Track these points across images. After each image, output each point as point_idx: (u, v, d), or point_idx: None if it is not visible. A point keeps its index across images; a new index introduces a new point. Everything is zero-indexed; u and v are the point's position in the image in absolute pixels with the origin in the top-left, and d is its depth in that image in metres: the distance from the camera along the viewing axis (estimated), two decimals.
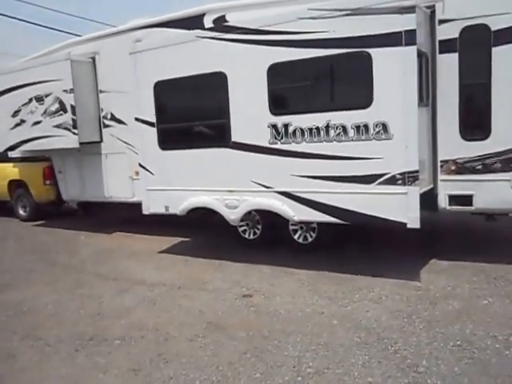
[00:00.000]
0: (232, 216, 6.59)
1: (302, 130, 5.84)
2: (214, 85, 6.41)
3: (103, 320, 5.09)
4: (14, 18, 16.35)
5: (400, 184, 5.35)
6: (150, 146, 7.14)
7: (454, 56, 5.81)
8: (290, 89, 6.10)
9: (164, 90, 6.92)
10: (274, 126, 6.03)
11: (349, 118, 5.55)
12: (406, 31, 5.11)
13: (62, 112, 8.42)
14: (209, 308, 5.17)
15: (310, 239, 6.86)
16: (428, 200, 6.09)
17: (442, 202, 6.07)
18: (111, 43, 8.34)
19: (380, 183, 5.47)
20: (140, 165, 7.32)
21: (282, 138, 6.01)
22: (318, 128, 5.76)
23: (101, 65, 8.61)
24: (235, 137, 6.37)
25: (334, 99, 5.75)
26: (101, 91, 8.68)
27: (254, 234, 7.35)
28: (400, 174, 5.33)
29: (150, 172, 7.24)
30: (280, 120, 5.99)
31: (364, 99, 5.42)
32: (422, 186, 5.83)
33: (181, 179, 6.95)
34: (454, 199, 6.02)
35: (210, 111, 6.61)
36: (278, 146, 6.04)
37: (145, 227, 9.18)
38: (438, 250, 6.61)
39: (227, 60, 6.26)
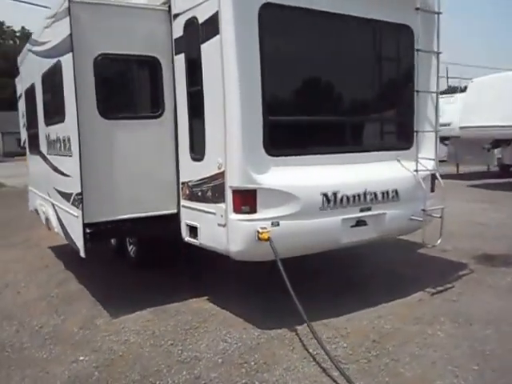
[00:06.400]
0: (44, 222, 6.76)
1: (54, 142, 5.68)
2: (34, 95, 6.64)
3: None
4: None
5: (77, 206, 4.79)
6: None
7: (182, 58, 4.81)
8: (47, 100, 5.95)
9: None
10: (47, 137, 6.01)
11: (61, 131, 5.21)
12: (69, 34, 4.53)
13: None
14: None
15: (135, 254, 6.47)
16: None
17: (184, 231, 5.09)
18: None
19: (72, 203, 4.99)
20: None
21: (49, 148, 5.95)
22: (54, 140, 5.56)
23: None
24: (41, 144, 6.51)
25: (58, 111, 5.36)
26: None
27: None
28: (77, 194, 4.77)
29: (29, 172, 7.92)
30: (48, 130, 5.94)
31: (62, 111, 5.02)
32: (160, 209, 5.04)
33: (32, 181, 7.45)
34: (190, 230, 4.99)
35: (33, 120, 6.84)
36: (49, 156, 5.99)
37: None
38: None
39: (35, 71, 6.44)
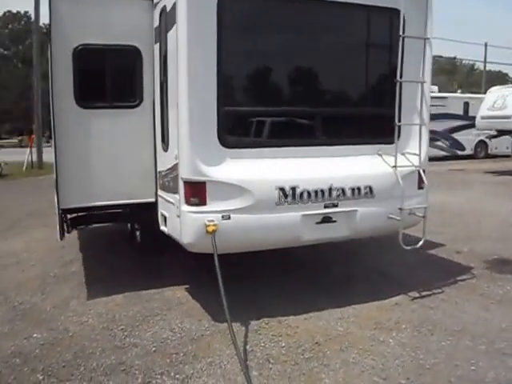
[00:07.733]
0: None
1: None
2: None
3: None
4: None
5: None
6: None
7: (158, 47, 4.88)
8: None
9: None
10: None
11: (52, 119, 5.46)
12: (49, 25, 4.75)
13: None
14: None
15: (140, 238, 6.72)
16: None
17: (160, 220, 5.17)
18: None
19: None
20: None
21: None
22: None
23: None
24: None
25: None
26: None
27: None
28: (55, 180, 5.01)
29: None
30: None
31: None
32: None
33: None
34: (164, 220, 5.06)
35: None
36: None
37: None
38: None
39: None
